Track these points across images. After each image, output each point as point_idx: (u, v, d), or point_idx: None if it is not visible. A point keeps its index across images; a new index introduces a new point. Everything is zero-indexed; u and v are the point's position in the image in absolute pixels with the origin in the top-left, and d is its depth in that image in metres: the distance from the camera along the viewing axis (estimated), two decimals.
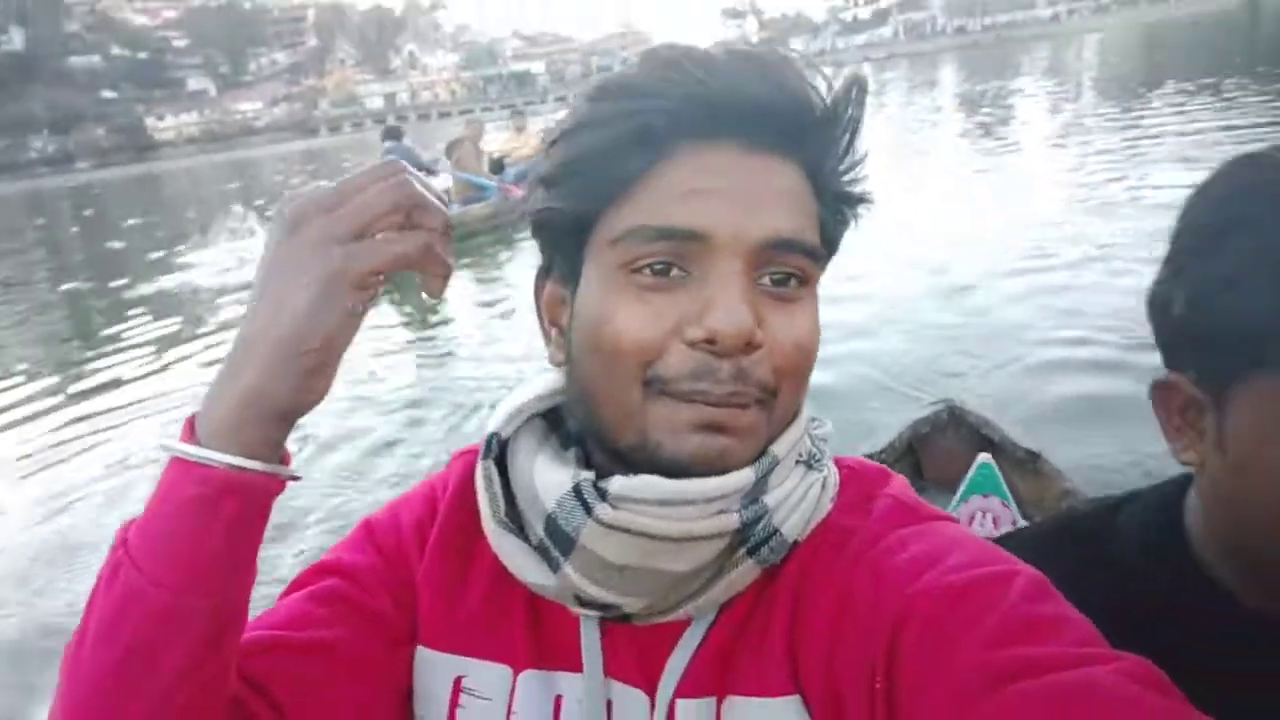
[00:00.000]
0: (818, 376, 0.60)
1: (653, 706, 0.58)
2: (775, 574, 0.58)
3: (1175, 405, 0.62)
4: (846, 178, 0.58)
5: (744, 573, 0.55)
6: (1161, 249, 0.64)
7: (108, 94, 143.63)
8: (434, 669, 0.64)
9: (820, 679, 0.54)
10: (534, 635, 0.62)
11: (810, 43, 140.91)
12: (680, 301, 0.52)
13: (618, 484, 0.53)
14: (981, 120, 16.68)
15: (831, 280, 0.59)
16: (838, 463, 0.64)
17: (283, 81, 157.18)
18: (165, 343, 7.24)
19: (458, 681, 0.63)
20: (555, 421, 0.65)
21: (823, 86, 0.55)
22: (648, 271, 0.53)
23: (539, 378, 0.65)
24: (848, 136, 0.57)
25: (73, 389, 6.19)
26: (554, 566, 0.56)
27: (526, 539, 0.59)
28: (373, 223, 0.49)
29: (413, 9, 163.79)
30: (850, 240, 0.61)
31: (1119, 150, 10.34)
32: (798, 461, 0.59)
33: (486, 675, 0.62)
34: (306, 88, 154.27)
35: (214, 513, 0.49)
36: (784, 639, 0.56)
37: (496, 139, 13.85)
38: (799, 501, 0.57)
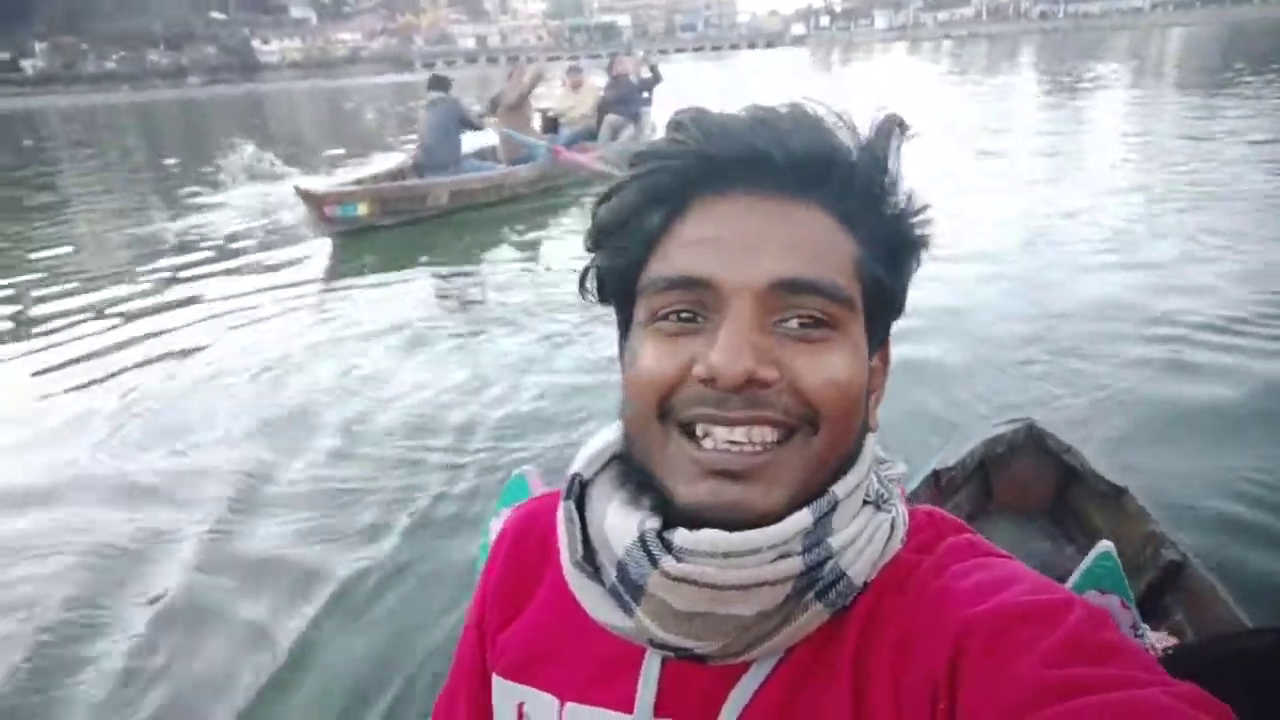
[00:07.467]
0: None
1: None
2: (842, 614, 0.58)
3: None
4: (890, 220, 0.59)
5: (812, 616, 0.56)
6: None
7: (217, 15, 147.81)
8: (503, 696, 0.69)
9: (887, 716, 0.54)
10: (589, 668, 0.64)
11: (893, 16, 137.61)
12: (697, 343, 0.55)
13: (681, 537, 0.54)
14: (1062, 100, 16.18)
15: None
16: (915, 512, 0.64)
17: (379, 16, 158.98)
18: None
19: (520, 708, 0.67)
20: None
21: (846, 134, 0.58)
22: (672, 318, 0.57)
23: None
24: (878, 178, 0.58)
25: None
26: (628, 610, 0.58)
27: (601, 581, 0.61)
28: None
29: None
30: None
31: (1211, 140, 9.87)
32: (865, 502, 0.60)
33: (539, 704, 0.66)
34: (402, 24, 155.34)
35: None
36: (849, 679, 0.56)
37: (551, 95, 13.00)
38: (866, 544, 0.58)
